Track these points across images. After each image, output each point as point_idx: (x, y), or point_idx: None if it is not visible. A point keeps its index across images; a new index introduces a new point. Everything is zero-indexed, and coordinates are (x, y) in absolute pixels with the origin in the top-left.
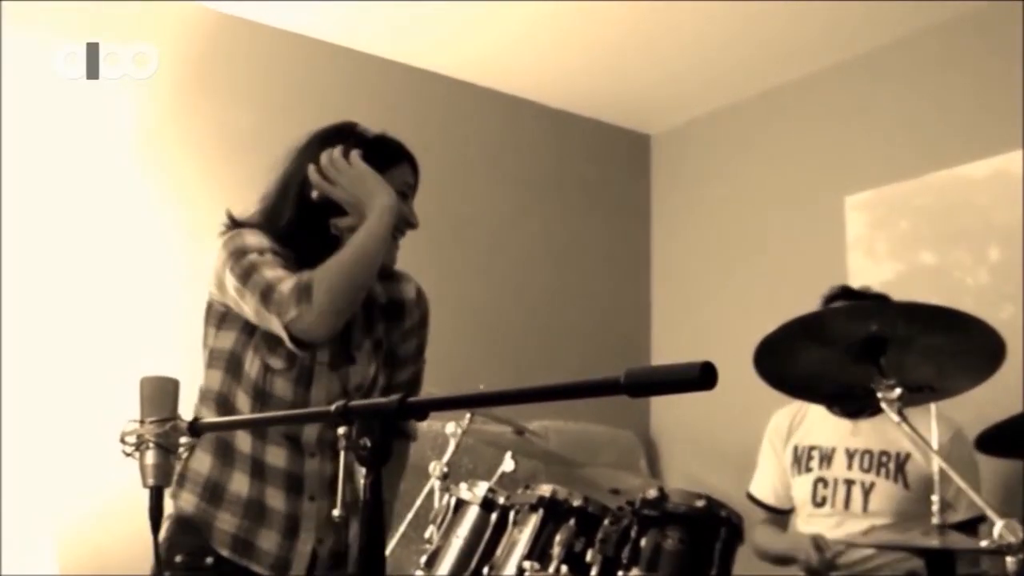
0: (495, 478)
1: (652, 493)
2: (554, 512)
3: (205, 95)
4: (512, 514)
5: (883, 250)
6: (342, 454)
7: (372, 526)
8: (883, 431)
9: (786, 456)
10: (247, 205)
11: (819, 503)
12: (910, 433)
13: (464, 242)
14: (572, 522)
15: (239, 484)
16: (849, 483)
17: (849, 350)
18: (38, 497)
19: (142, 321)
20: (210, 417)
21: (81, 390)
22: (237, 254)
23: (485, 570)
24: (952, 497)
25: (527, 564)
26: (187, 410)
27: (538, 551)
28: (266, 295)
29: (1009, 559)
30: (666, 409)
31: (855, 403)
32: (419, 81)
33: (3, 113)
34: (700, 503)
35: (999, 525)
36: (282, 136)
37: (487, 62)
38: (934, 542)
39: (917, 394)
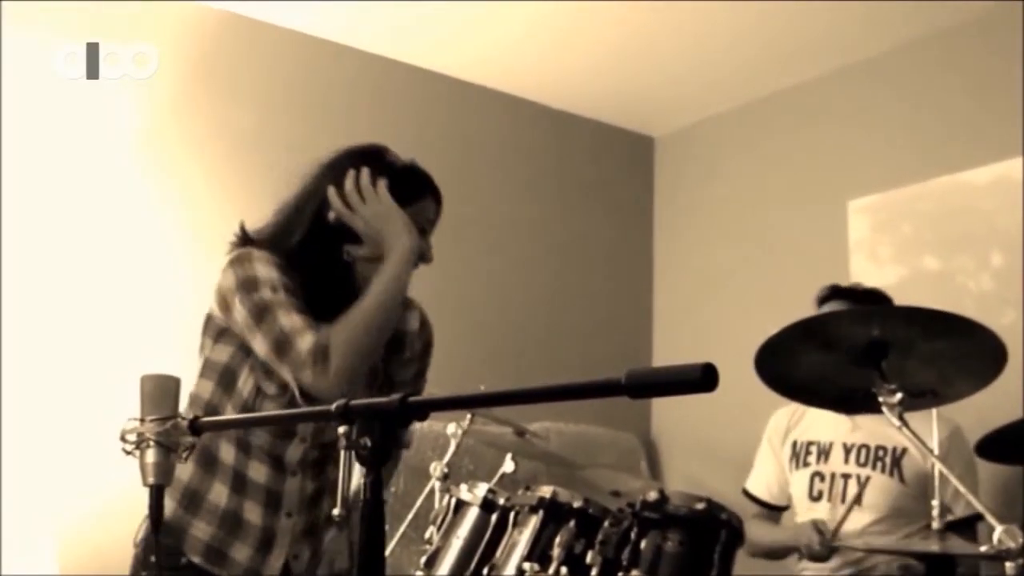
0: (495, 479)
1: (652, 495)
2: (554, 513)
3: (206, 94)
4: (512, 515)
5: (886, 254)
6: (342, 453)
7: (372, 525)
8: (880, 426)
9: (785, 452)
10: (262, 211)
11: (816, 497)
12: (911, 437)
13: (466, 242)
14: (572, 524)
15: (217, 494)
16: (845, 477)
17: (851, 354)
18: (38, 497)
19: (143, 321)
20: None
21: (81, 390)
22: (247, 285)
23: (485, 571)
24: (951, 495)
25: (527, 565)
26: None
27: (538, 552)
28: (281, 347)
29: (1008, 564)
30: (667, 411)
31: (856, 407)
32: (422, 81)
33: (3, 113)
34: (700, 505)
35: (998, 530)
36: (283, 135)
37: (490, 62)
38: (934, 547)
39: (919, 399)
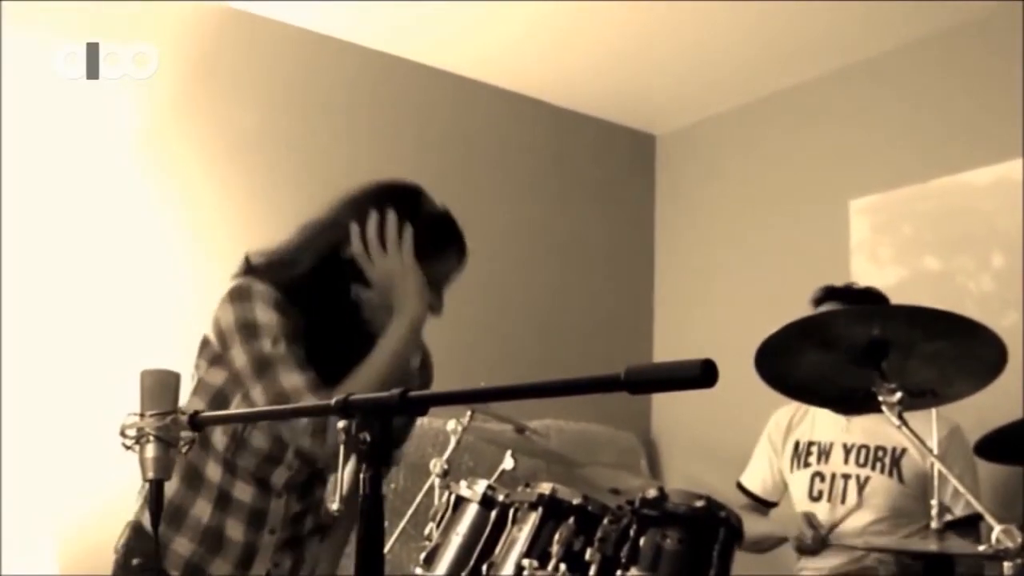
0: (495, 476)
1: (652, 493)
2: (554, 510)
3: (207, 92)
4: (512, 512)
5: (887, 255)
6: (341, 448)
7: (371, 521)
8: (880, 426)
9: (786, 451)
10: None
11: (815, 497)
12: (910, 437)
13: (466, 239)
14: (572, 521)
15: (201, 511)
16: (845, 477)
17: (851, 353)
18: (38, 497)
19: (143, 321)
20: None
21: (82, 390)
22: (248, 330)
23: (484, 568)
24: (950, 494)
25: (526, 562)
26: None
27: (537, 549)
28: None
29: (1007, 564)
30: (667, 410)
31: (855, 407)
32: (424, 78)
33: (3, 113)
34: (700, 503)
35: (997, 530)
36: (284, 132)
37: (492, 60)
38: (932, 546)
39: (918, 399)
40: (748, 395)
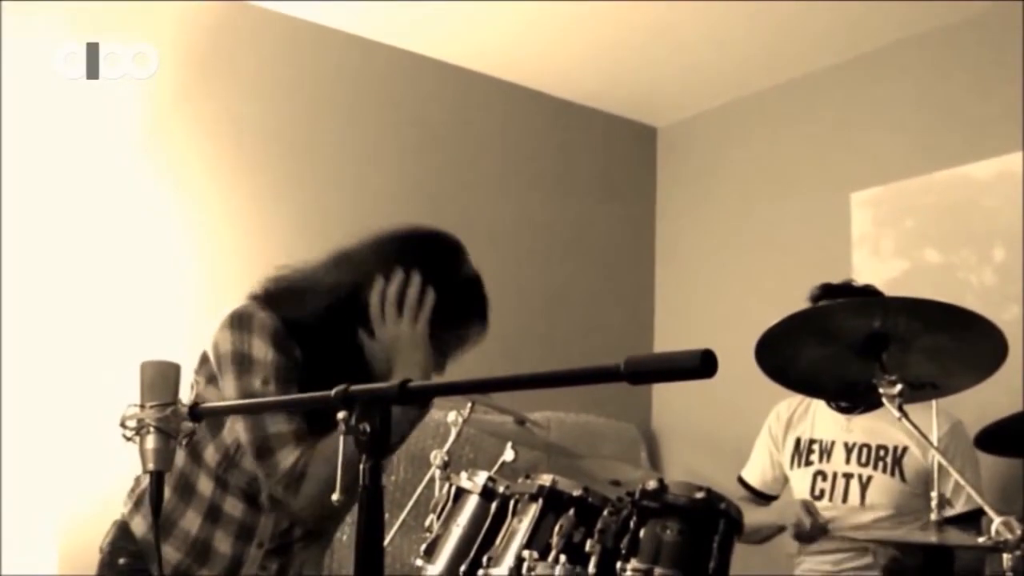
0: (496, 467)
1: (652, 484)
2: (554, 502)
3: (209, 85)
4: (512, 504)
5: (888, 248)
6: (341, 439)
7: (371, 512)
8: (881, 425)
9: (787, 447)
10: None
11: (818, 496)
12: (910, 428)
13: (468, 232)
14: (572, 512)
15: (190, 522)
16: (847, 477)
17: (851, 346)
18: (38, 497)
19: (146, 322)
20: None
21: (83, 390)
22: (242, 363)
23: (484, 559)
24: (951, 490)
25: (526, 553)
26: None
27: (537, 541)
28: (261, 452)
29: (1006, 556)
30: (667, 403)
31: (856, 399)
32: (425, 70)
33: (3, 113)
34: (700, 495)
35: (996, 522)
36: (287, 126)
37: (494, 51)
38: (932, 538)
39: (919, 391)
40: (749, 387)
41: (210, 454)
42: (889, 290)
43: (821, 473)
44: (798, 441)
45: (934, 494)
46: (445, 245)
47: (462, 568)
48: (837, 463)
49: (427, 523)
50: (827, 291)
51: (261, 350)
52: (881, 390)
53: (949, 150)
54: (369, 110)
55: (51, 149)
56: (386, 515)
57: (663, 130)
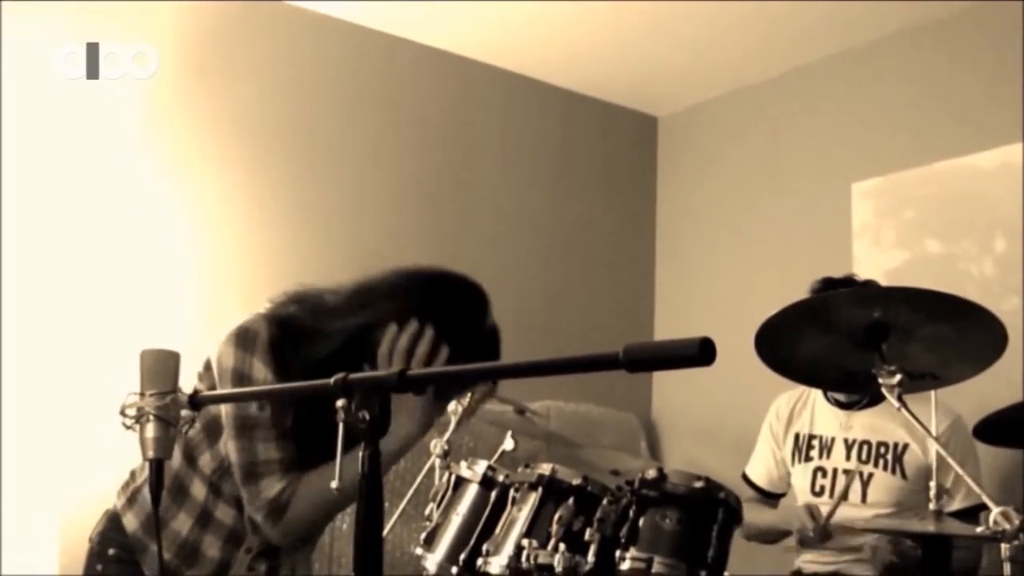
0: (495, 457)
1: (651, 473)
2: (553, 491)
3: (209, 76)
4: (512, 492)
5: (889, 238)
6: (340, 426)
7: (370, 500)
8: (881, 422)
9: (787, 443)
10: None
11: (818, 492)
12: (909, 419)
13: (468, 221)
14: (571, 501)
15: (181, 524)
16: (847, 473)
17: (851, 336)
18: (38, 496)
19: (147, 322)
20: None
21: (84, 389)
22: (240, 382)
23: (484, 547)
24: (951, 485)
25: (526, 542)
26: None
27: (537, 529)
28: (248, 475)
29: (1004, 546)
30: (668, 392)
31: (856, 389)
32: (426, 59)
33: (3, 113)
34: (699, 484)
35: (995, 512)
36: (288, 117)
37: (494, 41)
38: (930, 528)
39: (918, 381)
40: (748, 377)
41: (205, 461)
42: (890, 280)
43: (821, 469)
44: (797, 436)
45: (932, 484)
46: (466, 296)
47: (462, 556)
48: (837, 460)
49: (427, 512)
50: (828, 285)
51: (261, 372)
52: (881, 380)
53: (950, 141)
54: (370, 99)
55: (51, 148)
56: (386, 504)
57: (663, 119)
